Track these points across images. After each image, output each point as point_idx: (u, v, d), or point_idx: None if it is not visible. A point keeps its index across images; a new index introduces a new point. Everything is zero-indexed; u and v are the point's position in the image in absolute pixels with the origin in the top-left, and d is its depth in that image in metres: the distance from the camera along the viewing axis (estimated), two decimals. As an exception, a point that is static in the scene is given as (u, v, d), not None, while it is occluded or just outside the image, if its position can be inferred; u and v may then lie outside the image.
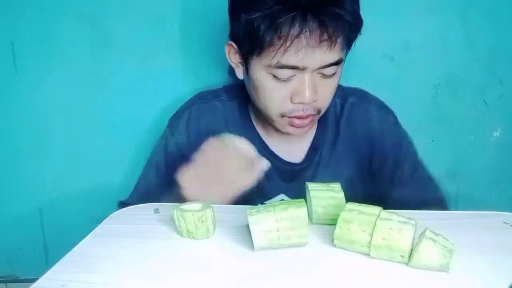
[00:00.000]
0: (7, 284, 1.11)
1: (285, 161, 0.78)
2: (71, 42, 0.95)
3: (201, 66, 0.98)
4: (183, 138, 0.78)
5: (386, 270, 0.44)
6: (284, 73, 0.63)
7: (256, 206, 0.49)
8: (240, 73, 0.72)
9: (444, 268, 0.43)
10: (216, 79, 0.89)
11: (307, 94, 0.64)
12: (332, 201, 0.54)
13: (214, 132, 0.77)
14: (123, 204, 0.76)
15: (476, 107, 0.99)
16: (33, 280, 0.42)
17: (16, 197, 1.05)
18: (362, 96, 0.81)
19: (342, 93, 0.79)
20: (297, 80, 0.64)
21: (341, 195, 0.54)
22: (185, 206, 0.53)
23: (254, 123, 0.79)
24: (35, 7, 0.93)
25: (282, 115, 0.68)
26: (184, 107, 0.82)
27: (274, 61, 0.62)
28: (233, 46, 0.70)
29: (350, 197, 0.53)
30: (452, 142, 0.99)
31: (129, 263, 0.46)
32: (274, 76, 0.64)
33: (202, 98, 0.82)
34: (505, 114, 0.99)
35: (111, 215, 0.60)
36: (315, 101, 0.66)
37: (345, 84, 0.82)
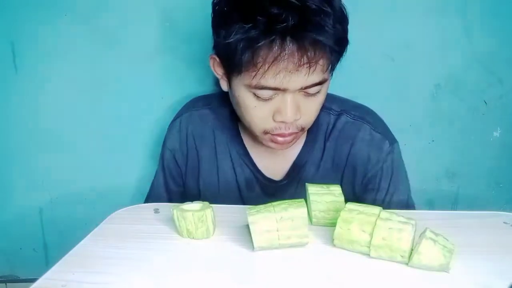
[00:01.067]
0: (7, 284, 1.11)
1: (266, 176, 0.77)
2: (71, 42, 0.95)
3: (201, 66, 0.98)
4: (176, 145, 0.81)
5: (386, 270, 0.44)
6: (265, 93, 0.62)
7: (256, 206, 0.49)
8: (224, 86, 0.70)
9: (444, 268, 0.43)
10: (216, 80, 0.89)
11: (289, 114, 0.62)
12: (332, 205, 0.53)
13: (202, 139, 0.79)
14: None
15: (476, 107, 0.99)
16: (33, 280, 0.42)
17: (16, 197, 1.05)
18: (359, 116, 0.75)
19: (340, 109, 0.76)
20: (279, 99, 0.62)
21: (341, 198, 0.54)
22: (185, 206, 0.53)
23: (241, 133, 0.78)
24: (35, 7, 0.93)
25: (265, 132, 0.66)
26: (177, 115, 0.84)
27: (253, 82, 0.60)
28: (216, 60, 0.68)
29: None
30: (452, 142, 0.99)
31: (129, 263, 0.46)
32: (255, 95, 0.63)
33: (193, 106, 0.83)
34: (505, 114, 0.99)
35: (111, 215, 0.60)
36: (297, 119, 0.64)
37: (352, 93, 0.81)
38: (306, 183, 0.59)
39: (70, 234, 0.59)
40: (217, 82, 0.74)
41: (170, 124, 0.84)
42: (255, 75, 0.59)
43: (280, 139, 0.66)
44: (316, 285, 0.42)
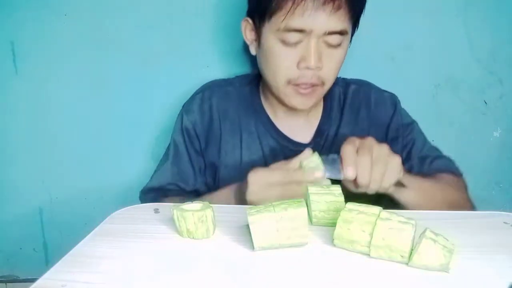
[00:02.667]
0: (7, 284, 1.11)
1: (293, 141, 0.81)
2: (71, 42, 0.95)
3: (201, 66, 0.98)
4: (197, 117, 0.83)
5: (386, 270, 0.44)
6: (291, 36, 0.68)
7: (256, 206, 0.49)
8: (253, 49, 0.77)
9: (444, 268, 0.43)
10: (216, 79, 0.89)
11: (312, 59, 0.67)
12: (332, 205, 0.53)
13: (225, 114, 0.82)
14: (146, 191, 0.84)
15: (476, 107, 0.99)
16: (33, 280, 0.42)
17: (16, 197, 1.05)
18: (363, 83, 0.86)
19: (343, 83, 0.85)
20: (304, 45, 0.68)
21: (341, 198, 0.54)
22: (185, 206, 0.53)
23: (264, 106, 0.83)
24: (35, 7, 0.93)
25: (289, 82, 0.71)
26: (197, 91, 0.86)
27: (282, 25, 0.67)
28: (248, 22, 0.75)
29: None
30: (452, 142, 0.99)
31: (129, 263, 0.46)
32: (283, 41, 0.69)
33: (215, 84, 0.87)
34: (505, 114, 0.99)
35: (111, 215, 0.60)
36: (320, 68, 0.69)
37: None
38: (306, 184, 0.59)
39: (70, 234, 0.59)
40: (246, 48, 0.80)
41: (187, 100, 0.86)
42: (285, 16, 0.66)
43: (302, 90, 0.72)
44: (316, 285, 0.42)
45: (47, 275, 0.44)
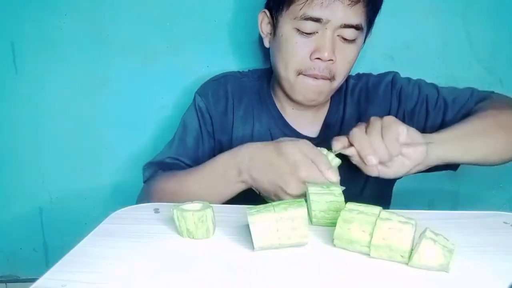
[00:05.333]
0: (7, 284, 1.11)
1: (302, 135, 0.82)
2: (71, 42, 0.96)
3: (201, 66, 0.98)
4: (211, 100, 0.83)
5: (386, 270, 0.44)
6: (308, 25, 0.69)
7: (256, 206, 0.49)
8: (267, 42, 0.79)
9: (444, 268, 0.43)
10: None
11: (326, 50, 0.69)
12: (332, 205, 0.53)
13: (240, 102, 0.84)
14: (145, 166, 0.83)
15: (476, 107, 0.99)
16: (33, 280, 0.42)
17: (16, 197, 1.05)
18: (363, 74, 0.87)
19: (355, 77, 0.86)
20: (319, 36, 0.69)
21: (341, 198, 0.54)
22: (185, 206, 0.53)
23: (275, 101, 0.85)
24: (35, 7, 0.93)
25: (299, 73, 0.72)
26: (212, 78, 0.88)
27: (300, 13, 0.68)
28: (266, 14, 0.77)
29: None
30: (452, 142, 0.99)
31: (129, 263, 0.46)
32: (299, 31, 0.70)
33: (230, 74, 0.88)
34: (505, 114, 0.99)
35: (111, 215, 0.60)
36: (332, 61, 0.70)
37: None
38: (306, 184, 0.59)
39: (70, 234, 0.59)
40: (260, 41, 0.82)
41: (201, 86, 0.86)
42: (303, 3, 0.67)
43: (312, 82, 0.72)
44: (316, 285, 0.42)
45: (47, 275, 0.44)
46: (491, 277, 0.43)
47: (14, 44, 0.96)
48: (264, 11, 0.78)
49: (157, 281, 0.43)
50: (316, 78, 0.72)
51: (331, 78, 0.73)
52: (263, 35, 0.80)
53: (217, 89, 0.85)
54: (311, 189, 0.56)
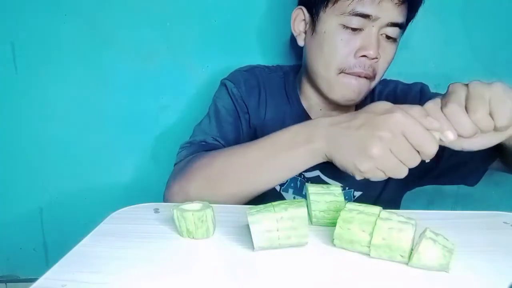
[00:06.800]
0: (7, 284, 1.11)
1: None
2: (71, 42, 0.96)
3: (201, 66, 0.98)
4: (243, 88, 0.81)
5: (386, 270, 0.44)
6: (355, 21, 0.67)
7: (256, 206, 0.49)
8: (301, 40, 0.77)
9: (444, 268, 0.43)
10: (216, 79, 0.89)
11: (373, 47, 0.68)
12: (332, 205, 0.53)
13: (271, 96, 0.82)
14: (185, 145, 0.76)
15: (476, 107, 0.99)
16: (33, 280, 0.42)
17: (16, 197, 1.05)
18: (390, 80, 0.86)
19: (381, 82, 0.83)
20: (365, 34, 0.68)
21: (341, 198, 0.54)
22: (185, 206, 0.53)
23: (301, 99, 0.83)
24: (35, 7, 0.93)
25: (341, 71, 0.70)
26: (243, 69, 0.85)
27: (349, 9, 0.67)
28: (302, 11, 0.75)
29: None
30: (452, 142, 0.99)
31: (129, 263, 0.46)
32: (345, 27, 0.68)
33: (258, 67, 0.86)
34: (505, 114, 0.99)
35: (111, 215, 0.60)
36: (377, 59, 0.69)
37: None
38: (306, 184, 0.59)
39: (70, 234, 0.59)
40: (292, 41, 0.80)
41: (229, 76, 0.84)
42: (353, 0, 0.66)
43: (353, 81, 0.71)
44: (316, 285, 0.42)
45: (47, 275, 0.44)
46: (491, 277, 0.43)
47: (14, 44, 0.96)
48: (300, 8, 0.76)
49: (157, 281, 0.43)
50: (359, 76, 0.70)
51: (372, 77, 0.72)
52: (295, 34, 0.78)
53: (249, 78, 0.82)
54: (311, 189, 0.56)
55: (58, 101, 0.99)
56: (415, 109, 0.51)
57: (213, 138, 0.76)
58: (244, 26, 0.96)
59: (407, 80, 0.97)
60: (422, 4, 0.74)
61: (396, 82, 0.86)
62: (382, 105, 0.52)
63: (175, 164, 0.74)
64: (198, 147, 0.74)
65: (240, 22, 0.96)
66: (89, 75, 0.98)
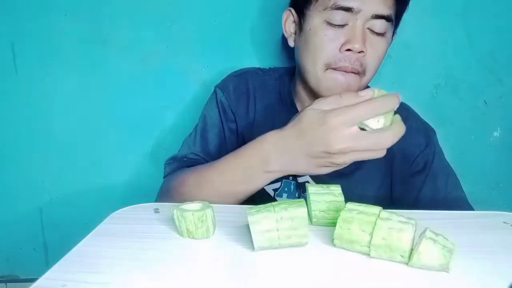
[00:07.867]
0: (7, 284, 1.11)
1: None
2: (71, 41, 0.96)
3: (201, 66, 0.98)
4: (232, 97, 0.82)
5: (386, 270, 0.44)
6: (338, 16, 0.67)
7: (256, 206, 0.49)
8: (291, 41, 0.78)
9: (444, 268, 0.43)
10: (216, 79, 0.89)
11: (357, 40, 0.67)
12: (332, 205, 0.53)
13: (261, 100, 0.82)
14: (168, 161, 0.81)
15: (476, 107, 0.99)
16: (33, 280, 0.42)
17: (16, 197, 1.05)
18: (403, 107, 0.77)
19: None
20: (349, 28, 0.68)
21: (341, 198, 0.54)
22: (185, 206, 0.53)
23: (295, 102, 0.83)
24: (35, 7, 0.93)
25: (328, 66, 0.70)
26: (234, 74, 0.86)
27: (331, 3, 0.67)
28: (291, 12, 0.76)
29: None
30: (452, 142, 0.99)
31: (129, 263, 0.46)
32: (329, 23, 0.68)
33: (250, 71, 0.87)
34: (505, 114, 0.99)
35: (111, 215, 0.60)
36: (363, 54, 0.68)
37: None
38: (306, 184, 0.59)
39: (70, 234, 0.59)
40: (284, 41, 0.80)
41: (221, 81, 0.85)
42: None
43: (340, 77, 0.69)
44: (316, 285, 0.42)
45: (47, 275, 0.44)
46: (491, 277, 0.43)
47: (14, 44, 0.96)
48: (289, 10, 0.76)
49: (157, 281, 0.43)
50: (345, 71, 0.69)
51: (361, 73, 0.70)
52: (286, 35, 0.78)
53: (239, 84, 0.83)
54: (311, 189, 0.56)
55: (58, 101, 0.99)
56: (344, 99, 0.54)
57: (194, 154, 0.80)
58: (244, 26, 0.96)
59: (407, 79, 0.97)
60: (408, 3, 0.73)
61: (409, 112, 0.82)
62: (315, 117, 0.55)
63: (164, 177, 0.80)
64: (180, 163, 0.78)
65: (240, 22, 0.96)
66: (89, 75, 0.98)
